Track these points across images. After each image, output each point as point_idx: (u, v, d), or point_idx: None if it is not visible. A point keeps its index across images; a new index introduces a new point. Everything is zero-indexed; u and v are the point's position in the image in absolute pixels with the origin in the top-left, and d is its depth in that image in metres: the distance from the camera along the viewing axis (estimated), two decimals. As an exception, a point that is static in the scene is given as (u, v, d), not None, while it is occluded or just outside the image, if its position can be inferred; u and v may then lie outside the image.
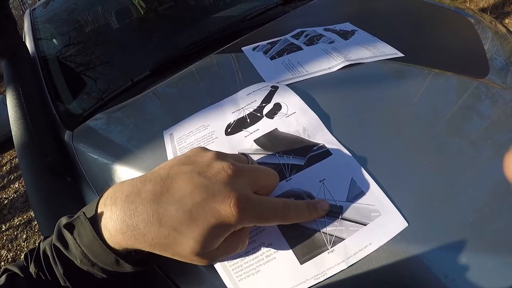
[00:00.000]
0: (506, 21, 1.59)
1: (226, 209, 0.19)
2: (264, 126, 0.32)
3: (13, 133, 0.55)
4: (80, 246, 0.21)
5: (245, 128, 0.32)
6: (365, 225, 0.24)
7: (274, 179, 0.24)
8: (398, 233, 0.24)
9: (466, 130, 0.30)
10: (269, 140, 0.30)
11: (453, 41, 0.47)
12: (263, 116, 0.33)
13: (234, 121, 0.33)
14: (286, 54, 0.41)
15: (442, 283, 0.22)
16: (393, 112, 0.33)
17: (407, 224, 0.24)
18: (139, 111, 0.39)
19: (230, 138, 0.32)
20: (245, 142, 0.31)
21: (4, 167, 1.86)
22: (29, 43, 0.69)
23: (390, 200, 0.25)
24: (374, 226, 0.24)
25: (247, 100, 0.35)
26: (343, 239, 0.24)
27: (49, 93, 0.54)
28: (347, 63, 0.38)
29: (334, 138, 0.30)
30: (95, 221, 0.21)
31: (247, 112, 0.34)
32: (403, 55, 0.41)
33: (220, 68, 0.41)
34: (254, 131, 0.31)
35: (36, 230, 1.32)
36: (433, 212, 0.25)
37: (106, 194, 0.21)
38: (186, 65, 0.42)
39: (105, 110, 0.42)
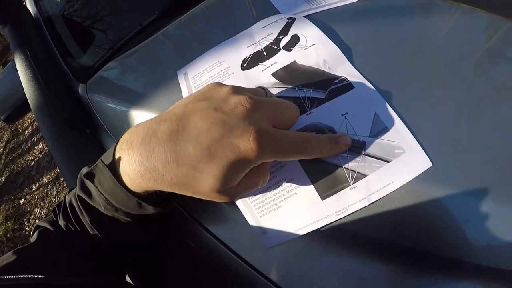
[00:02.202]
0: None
1: (246, 144, 0.18)
2: (281, 59, 0.30)
3: (27, 95, 0.55)
4: (102, 194, 0.21)
5: (261, 62, 0.31)
6: (388, 162, 0.23)
7: (294, 112, 0.23)
8: (422, 173, 0.23)
9: (496, 74, 0.27)
10: (288, 73, 0.29)
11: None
12: (280, 49, 0.31)
13: (250, 55, 0.32)
14: (303, -16, 0.38)
15: (462, 227, 0.22)
16: (417, 48, 0.30)
17: (431, 164, 0.23)
18: (150, 55, 0.38)
19: (246, 73, 0.31)
20: (263, 76, 0.30)
21: (26, 131, 1.92)
22: (30, 6, 0.67)
23: (415, 138, 0.24)
24: (398, 164, 0.23)
25: (262, 33, 0.33)
26: (366, 176, 0.23)
27: (58, 51, 0.53)
28: None
29: (357, 71, 0.28)
30: (113, 167, 0.21)
31: (263, 45, 0.32)
32: None
33: (232, 3, 0.38)
34: (271, 65, 0.30)
35: (65, 185, 1.39)
36: (457, 154, 0.24)
37: (122, 139, 0.21)
38: (196, 3, 0.40)
39: (115, 58, 0.42)
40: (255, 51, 0.32)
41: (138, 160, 0.19)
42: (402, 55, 0.30)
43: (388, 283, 0.24)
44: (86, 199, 0.23)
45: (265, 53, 0.31)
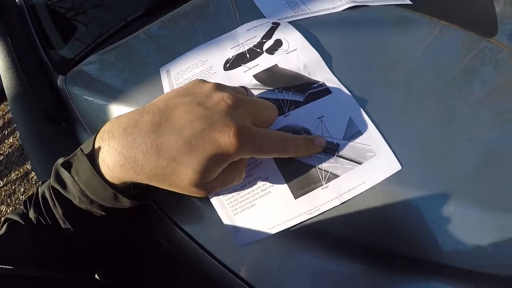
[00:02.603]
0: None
1: (226, 138, 0.19)
2: (264, 62, 0.31)
3: (4, 84, 0.53)
4: (78, 184, 0.21)
5: (244, 64, 0.31)
6: (360, 164, 0.24)
7: (273, 112, 0.24)
8: (392, 175, 0.24)
9: (468, 90, 0.29)
10: (269, 76, 0.30)
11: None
12: (263, 52, 0.32)
13: (233, 56, 0.32)
14: (289, -8, 0.39)
15: (429, 227, 0.23)
16: (396, 59, 0.32)
17: (400, 167, 0.24)
18: (131, 51, 0.38)
19: (228, 73, 0.31)
20: (244, 77, 0.30)
21: (-3, 123, 1.81)
22: (15, -8, 0.65)
23: (386, 142, 0.25)
24: (369, 166, 0.24)
25: (247, 36, 0.33)
26: (338, 176, 0.24)
27: (39, 40, 0.52)
28: (352, 4, 0.36)
29: (335, 77, 0.29)
30: (92, 156, 0.20)
31: (247, 47, 0.32)
32: (411, 3, 0.39)
33: (216, 6, 0.39)
34: (253, 67, 0.31)
35: (34, 182, 1.33)
36: (426, 160, 0.25)
37: (103, 129, 0.21)
38: (181, 3, 0.40)
39: (97, 52, 0.41)
40: (238, 52, 0.32)
41: (118, 150, 0.19)
42: (380, 65, 0.31)
43: (359, 282, 0.24)
44: (61, 190, 0.22)
45: (248, 55, 0.32)
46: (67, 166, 0.21)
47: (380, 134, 0.25)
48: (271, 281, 0.25)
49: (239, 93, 0.23)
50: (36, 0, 0.61)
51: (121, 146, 0.19)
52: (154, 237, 0.31)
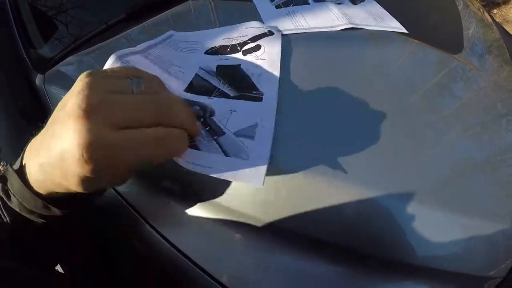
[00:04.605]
0: (494, 11, 1.61)
1: (81, 169, 0.17)
2: (233, 60, 0.32)
3: (-19, 79, 0.52)
4: (14, 195, 0.22)
5: (221, 54, 0.33)
6: (227, 156, 0.24)
7: (180, 107, 0.21)
8: (368, 180, 0.25)
9: (439, 106, 0.32)
10: (228, 72, 0.31)
11: (435, 19, 0.47)
12: (240, 51, 0.33)
13: (219, 46, 0.34)
14: (292, 6, 0.41)
15: (400, 229, 0.25)
16: (365, 78, 0.33)
17: (261, 186, 0.23)
18: (110, 55, 0.38)
19: (206, 57, 0.33)
20: (211, 65, 0.32)
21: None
22: (-3, -12, 0.64)
23: (267, 160, 0.24)
24: (230, 161, 0.23)
25: (240, 33, 0.35)
26: (200, 150, 0.24)
27: (20, 37, 0.51)
28: (350, 26, 0.38)
29: (276, 92, 0.29)
30: (21, 170, 0.21)
31: (233, 43, 0.34)
32: (406, 32, 0.39)
33: (197, 15, 0.40)
34: (224, 60, 0.33)
35: None
36: (397, 166, 0.26)
37: (29, 144, 0.21)
38: (163, 10, 0.41)
39: (77, 53, 0.41)
40: (225, 44, 0.34)
41: (36, 162, 0.20)
42: (350, 82, 0.32)
43: (336, 283, 0.25)
44: (5, 199, 0.23)
45: (228, 49, 0.34)
46: (4, 180, 0.22)
47: (268, 151, 0.24)
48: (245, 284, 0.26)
49: (152, 82, 0.22)
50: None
51: (38, 166, 0.19)
52: (128, 239, 0.31)
